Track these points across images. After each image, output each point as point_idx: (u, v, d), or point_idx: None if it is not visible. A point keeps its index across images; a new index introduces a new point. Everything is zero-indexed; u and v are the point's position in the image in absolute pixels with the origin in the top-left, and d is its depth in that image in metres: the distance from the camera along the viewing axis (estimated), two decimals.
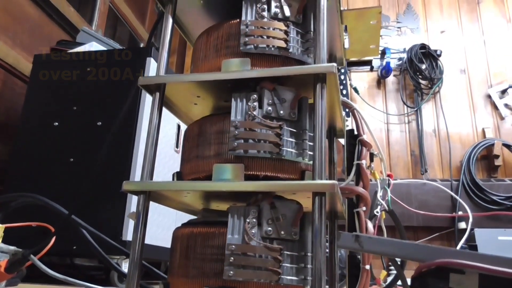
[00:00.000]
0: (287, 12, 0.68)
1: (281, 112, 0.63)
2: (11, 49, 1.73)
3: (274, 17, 0.69)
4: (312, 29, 0.68)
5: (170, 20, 0.76)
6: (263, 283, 0.56)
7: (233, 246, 0.57)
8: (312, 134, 0.63)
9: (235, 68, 0.67)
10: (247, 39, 0.68)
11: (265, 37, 0.67)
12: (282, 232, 0.57)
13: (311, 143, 0.62)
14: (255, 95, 0.64)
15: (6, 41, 1.71)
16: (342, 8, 0.80)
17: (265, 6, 0.69)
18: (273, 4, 0.69)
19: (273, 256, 0.56)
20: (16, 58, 1.75)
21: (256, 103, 0.64)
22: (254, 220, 0.59)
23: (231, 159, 0.63)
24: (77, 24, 2.12)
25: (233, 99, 0.65)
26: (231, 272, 0.57)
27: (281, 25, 0.67)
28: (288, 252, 0.57)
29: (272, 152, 0.61)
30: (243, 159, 0.63)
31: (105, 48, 1.65)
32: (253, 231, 0.58)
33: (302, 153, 0.62)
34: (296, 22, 0.69)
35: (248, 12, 0.70)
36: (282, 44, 0.67)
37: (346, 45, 0.88)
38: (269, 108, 0.63)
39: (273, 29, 0.67)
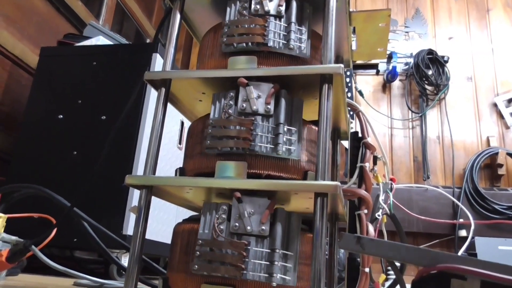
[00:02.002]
0: (267, 6, 0.68)
1: (254, 107, 0.63)
2: (18, 41, 1.73)
3: (255, 14, 0.68)
4: (294, 20, 0.67)
5: (178, 16, 0.76)
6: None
7: (200, 241, 0.58)
8: (292, 128, 0.62)
9: (241, 66, 0.67)
10: (225, 39, 0.69)
11: (245, 35, 0.67)
12: (249, 228, 0.57)
13: (290, 137, 0.62)
14: (232, 93, 0.65)
15: (14, 33, 1.72)
16: (351, 10, 0.80)
17: (246, 4, 0.69)
18: (253, 1, 0.69)
19: (238, 252, 0.56)
20: (23, 50, 1.76)
21: (232, 101, 0.64)
22: (224, 216, 0.59)
23: (235, 157, 0.63)
24: (84, 18, 2.13)
25: (213, 98, 0.67)
26: (196, 266, 0.57)
27: (259, 21, 0.67)
28: (255, 248, 0.56)
29: (245, 148, 0.61)
30: (246, 157, 0.62)
31: (111, 43, 1.66)
32: (222, 227, 0.58)
33: (275, 147, 0.61)
34: (277, 15, 0.68)
35: (232, 12, 0.71)
36: (260, 39, 0.66)
37: (354, 47, 0.88)
38: (243, 104, 0.63)
39: (252, 25, 0.67)
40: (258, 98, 0.63)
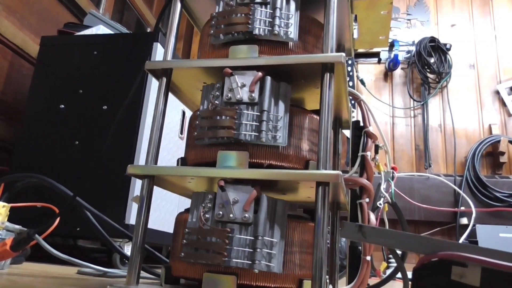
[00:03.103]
0: None
1: (238, 96, 0.63)
2: (19, 30, 1.72)
3: (241, 3, 0.68)
4: (279, 6, 0.66)
5: (179, 5, 0.75)
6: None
7: (187, 230, 0.60)
8: (277, 115, 0.62)
9: (242, 55, 0.67)
10: (212, 31, 0.69)
11: (230, 26, 0.67)
12: (231, 216, 0.58)
13: (276, 123, 0.62)
14: (219, 84, 0.65)
15: (14, 22, 1.71)
16: None
17: None
18: None
19: (221, 239, 0.57)
20: (24, 40, 1.75)
21: (219, 92, 0.65)
22: (209, 205, 0.60)
23: (236, 146, 0.63)
24: (84, 7, 2.11)
25: (203, 90, 0.67)
26: (182, 254, 0.59)
27: (243, 10, 0.67)
28: (239, 236, 0.57)
29: (229, 137, 0.61)
30: (248, 147, 0.63)
31: (112, 32, 1.64)
32: (207, 216, 0.59)
33: (259, 135, 0.60)
34: (263, 2, 0.67)
35: (221, 3, 0.71)
36: (244, 28, 0.66)
37: (355, 35, 0.87)
38: (228, 94, 0.63)
39: (237, 15, 0.67)
40: (243, 86, 0.63)
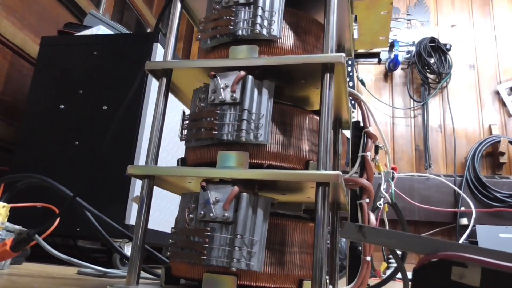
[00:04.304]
0: None
1: (221, 97, 0.63)
2: (19, 30, 1.72)
3: (226, 6, 0.69)
4: (261, 5, 0.66)
5: (179, 5, 0.75)
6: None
7: (173, 229, 0.62)
8: (259, 113, 0.62)
9: (243, 55, 0.67)
10: (199, 36, 0.71)
11: (214, 29, 0.69)
12: (211, 215, 0.58)
13: (258, 122, 0.62)
14: (206, 87, 0.66)
15: (14, 22, 1.71)
16: None
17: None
18: None
19: (201, 238, 0.57)
20: (24, 40, 1.75)
21: (204, 94, 0.66)
22: (194, 205, 0.61)
23: (237, 146, 0.63)
24: (84, 7, 2.11)
25: (193, 93, 0.69)
26: (169, 253, 0.61)
27: (227, 12, 0.67)
28: (218, 234, 0.57)
29: (212, 138, 0.62)
30: (248, 147, 0.63)
31: (112, 32, 1.65)
32: (191, 216, 0.60)
33: (239, 134, 0.61)
34: (246, 3, 0.67)
35: (209, 8, 0.72)
36: (227, 30, 0.67)
37: (355, 36, 0.87)
38: (212, 96, 0.64)
39: (222, 18, 0.68)
40: (226, 87, 0.64)
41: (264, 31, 0.65)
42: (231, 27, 0.66)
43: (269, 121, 0.63)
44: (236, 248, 0.56)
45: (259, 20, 0.65)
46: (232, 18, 0.67)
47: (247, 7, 0.67)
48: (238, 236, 0.56)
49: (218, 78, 0.64)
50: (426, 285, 0.40)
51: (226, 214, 0.57)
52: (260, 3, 0.66)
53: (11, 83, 1.72)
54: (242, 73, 0.63)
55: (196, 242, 0.58)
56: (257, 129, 0.61)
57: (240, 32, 0.66)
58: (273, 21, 0.66)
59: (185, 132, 0.67)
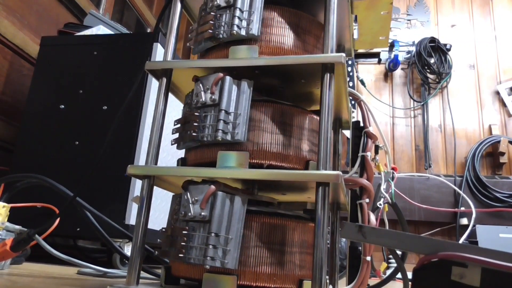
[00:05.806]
0: (216, 1, 0.69)
1: (202, 100, 0.65)
2: (19, 30, 1.72)
3: (208, 12, 0.71)
4: (239, 6, 0.67)
5: (179, 5, 0.75)
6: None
7: (162, 229, 0.64)
8: (236, 112, 0.63)
9: (242, 55, 0.67)
10: (188, 44, 0.73)
11: (199, 35, 0.71)
12: (189, 214, 0.59)
13: (234, 121, 0.62)
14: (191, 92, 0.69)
15: (14, 22, 1.71)
16: None
17: (204, 6, 0.73)
18: (208, 1, 0.72)
19: (181, 237, 0.59)
20: (24, 40, 1.75)
21: (189, 99, 0.68)
22: (177, 206, 0.62)
23: (237, 146, 0.63)
24: (84, 7, 2.11)
25: (185, 98, 0.72)
26: (156, 252, 0.63)
27: (208, 17, 0.69)
28: (195, 233, 0.58)
29: (194, 140, 0.64)
30: (248, 147, 0.63)
31: (112, 32, 1.65)
32: (175, 216, 0.62)
33: (216, 134, 0.62)
34: (227, 6, 0.69)
35: (199, 17, 0.74)
36: (208, 34, 0.69)
37: (355, 36, 0.87)
38: (195, 99, 0.66)
39: (205, 24, 0.70)
40: (207, 90, 0.65)
41: (243, 31, 0.67)
42: (211, 31, 0.68)
43: (247, 119, 0.64)
44: (211, 246, 0.56)
45: (236, 21, 0.67)
46: (213, 22, 0.68)
47: (227, 10, 0.68)
48: (213, 234, 0.57)
49: (199, 81, 0.66)
50: (426, 285, 0.40)
51: (202, 213, 0.59)
52: (238, 4, 0.68)
53: (11, 83, 1.72)
54: (220, 74, 0.65)
55: (177, 240, 0.59)
56: (234, 128, 0.62)
57: (220, 35, 0.68)
58: (251, 20, 0.67)
59: (175, 136, 0.70)
